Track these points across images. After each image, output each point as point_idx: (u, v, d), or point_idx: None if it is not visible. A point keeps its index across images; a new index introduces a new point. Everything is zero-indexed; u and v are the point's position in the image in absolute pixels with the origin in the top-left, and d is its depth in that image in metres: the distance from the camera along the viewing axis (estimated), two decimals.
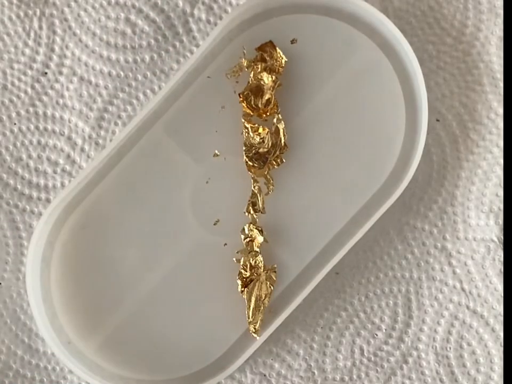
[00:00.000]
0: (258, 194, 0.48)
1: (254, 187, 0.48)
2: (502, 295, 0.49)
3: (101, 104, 0.49)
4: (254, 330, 0.48)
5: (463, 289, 0.50)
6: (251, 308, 0.48)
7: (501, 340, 0.49)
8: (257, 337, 0.48)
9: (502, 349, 0.49)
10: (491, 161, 0.50)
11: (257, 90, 0.48)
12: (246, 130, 0.48)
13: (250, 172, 0.48)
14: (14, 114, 0.49)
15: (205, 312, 0.48)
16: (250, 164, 0.48)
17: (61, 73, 0.50)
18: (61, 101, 0.49)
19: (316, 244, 0.48)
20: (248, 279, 0.48)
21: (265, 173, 0.48)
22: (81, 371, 0.47)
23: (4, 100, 0.49)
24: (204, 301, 0.48)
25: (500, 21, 0.50)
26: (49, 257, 0.48)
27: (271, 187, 0.48)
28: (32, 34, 0.50)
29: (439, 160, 0.50)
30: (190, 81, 0.48)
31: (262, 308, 0.48)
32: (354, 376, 0.50)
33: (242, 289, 0.48)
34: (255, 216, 0.48)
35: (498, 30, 0.50)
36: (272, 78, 0.48)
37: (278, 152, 0.48)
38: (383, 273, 0.50)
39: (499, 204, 0.50)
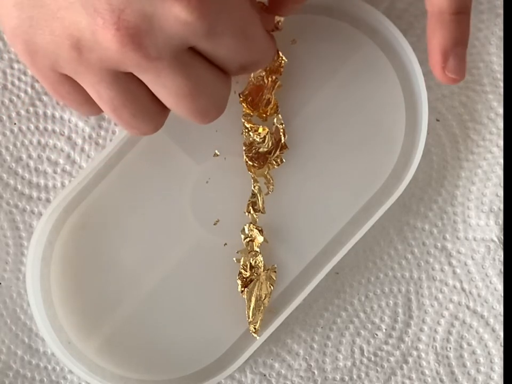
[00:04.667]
0: (258, 194, 0.48)
1: (254, 187, 0.48)
2: (502, 295, 0.49)
3: None
4: (254, 330, 0.48)
5: (463, 289, 0.50)
6: (251, 308, 0.48)
7: (501, 339, 0.49)
8: (257, 337, 0.48)
9: (502, 349, 0.49)
10: (491, 161, 0.50)
11: (257, 90, 0.48)
12: (246, 130, 0.48)
13: (251, 171, 0.48)
14: (14, 114, 0.49)
15: (205, 312, 0.48)
16: (251, 163, 0.48)
17: None
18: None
19: (316, 244, 0.48)
20: (248, 279, 0.48)
21: (265, 172, 0.48)
22: (81, 371, 0.47)
23: (4, 99, 0.49)
24: (204, 301, 0.48)
25: (500, 21, 0.50)
26: (49, 257, 0.48)
27: (271, 187, 0.48)
28: None
29: (439, 160, 0.50)
30: None
31: (262, 307, 0.48)
32: (354, 376, 0.50)
33: (242, 289, 0.48)
34: (255, 216, 0.48)
35: (498, 30, 0.50)
36: (272, 78, 0.47)
37: (278, 152, 0.48)
38: (383, 273, 0.50)
39: (499, 204, 0.50)
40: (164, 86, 0.39)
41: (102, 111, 0.42)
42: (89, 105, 0.41)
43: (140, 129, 0.41)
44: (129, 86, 0.39)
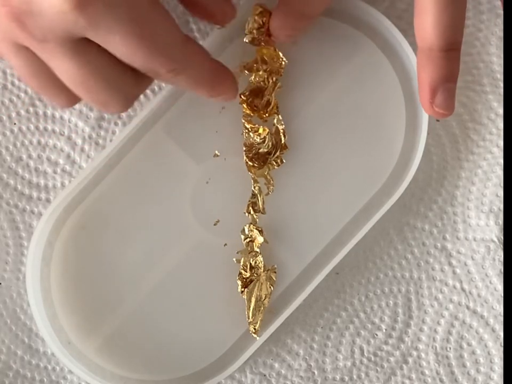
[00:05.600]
0: (258, 195, 0.48)
1: (254, 187, 0.48)
2: (502, 295, 0.49)
3: None
4: (254, 331, 0.48)
5: (463, 289, 0.50)
6: (251, 308, 0.48)
7: (501, 339, 0.50)
8: (257, 338, 0.48)
9: (502, 349, 0.49)
10: (491, 161, 0.50)
11: (258, 91, 0.48)
12: (246, 130, 0.48)
13: (251, 172, 0.48)
14: (14, 114, 0.49)
15: (205, 312, 0.48)
16: (251, 164, 0.48)
17: None
18: None
19: (316, 244, 0.48)
20: (248, 280, 0.48)
21: (266, 173, 0.48)
22: (81, 371, 0.47)
23: (4, 99, 0.49)
24: (204, 301, 0.48)
25: (500, 21, 0.50)
26: (49, 257, 0.48)
27: (271, 187, 0.48)
28: None
29: (439, 160, 0.50)
30: None
31: (262, 308, 0.48)
32: (354, 376, 0.50)
33: (242, 289, 0.48)
34: (255, 216, 0.48)
35: (498, 30, 0.50)
36: (272, 79, 0.47)
37: (278, 153, 0.48)
38: (383, 273, 0.50)
39: (499, 204, 0.50)
40: (58, 69, 0.39)
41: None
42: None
43: (52, 100, 0.41)
44: (31, 58, 0.39)
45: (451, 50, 0.43)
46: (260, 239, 0.48)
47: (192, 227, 0.48)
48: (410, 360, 0.50)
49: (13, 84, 0.49)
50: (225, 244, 0.48)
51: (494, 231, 0.49)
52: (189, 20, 0.50)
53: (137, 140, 0.48)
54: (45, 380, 0.49)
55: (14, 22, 0.37)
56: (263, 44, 0.47)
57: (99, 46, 0.38)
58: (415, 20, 0.43)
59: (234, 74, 0.43)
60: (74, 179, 0.47)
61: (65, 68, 0.38)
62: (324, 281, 0.48)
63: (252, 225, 0.48)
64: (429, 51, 0.43)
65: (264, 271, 0.48)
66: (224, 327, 0.48)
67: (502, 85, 0.50)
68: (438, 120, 0.50)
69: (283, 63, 0.47)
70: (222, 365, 0.48)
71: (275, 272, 0.48)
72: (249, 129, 0.48)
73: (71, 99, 0.41)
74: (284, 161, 0.48)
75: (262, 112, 0.48)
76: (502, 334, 0.49)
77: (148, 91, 0.49)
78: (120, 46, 0.38)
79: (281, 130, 0.48)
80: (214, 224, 0.48)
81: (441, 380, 0.50)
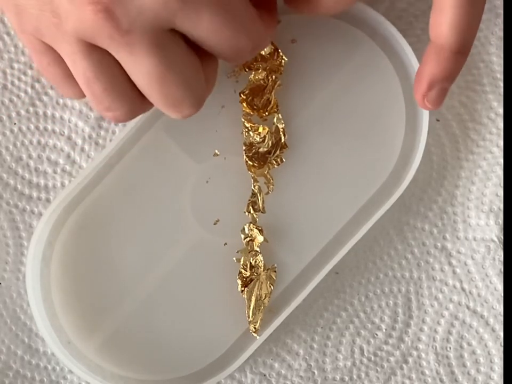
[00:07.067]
0: (258, 194, 0.48)
1: (254, 187, 0.48)
2: (502, 295, 0.49)
3: None
4: (254, 330, 0.48)
5: (463, 289, 0.50)
6: (251, 308, 0.48)
7: (501, 340, 0.49)
8: (257, 337, 0.48)
9: (502, 349, 0.49)
10: (491, 161, 0.50)
11: (258, 90, 0.48)
12: (246, 130, 0.48)
13: (251, 171, 0.48)
14: (14, 114, 0.49)
15: (205, 312, 0.48)
16: (250, 163, 0.48)
17: None
18: (61, 101, 0.49)
19: (315, 243, 0.48)
20: (248, 279, 0.48)
21: (265, 172, 0.48)
22: (81, 371, 0.47)
23: (4, 99, 0.49)
24: (204, 301, 0.48)
25: (500, 21, 0.50)
26: (49, 257, 0.48)
27: (271, 187, 0.48)
28: None
29: (439, 160, 0.50)
30: None
31: (262, 307, 0.48)
32: (354, 376, 0.50)
33: (242, 289, 0.48)
34: (255, 215, 0.48)
35: (498, 30, 0.50)
36: (272, 78, 0.48)
37: (278, 152, 0.48)
38: (383, 273, 0.50)
39: (499, 204, 0.50)
40: (135, 64, 0.38)
41: (83, 94, 0.42)
42: (70, 83, 0.41)
43: (111, 109, 0.40)
44: (104, 59, 0.39)
45: (460, 53, 0.43)
46: (259, 238, 0.48)
47: (191, 227, 0.48)
48: (410, 360, 0.50)
49: (13, 83, 0.49)
50: (225, 243, 0.48)
51: (494, 230, 0.49)
52: None
53: (137, 140, 0.48)
54: (45, 379, 0.49)
55: (100, 13, 0.36)
56: None
57: (179, 38, 0.39)
58: (432, 15, 0.43)
59: None
60: (74, 179, 0.47)
61: (142, 62, 0.38)
62: (323, 281, 0.48)
63: (251, 224, 0.48)
64: (439, 49, 0.43)
65: (264, 270, 0.48)
66: (224, 326, 0.48)
67: (502, 85, 0.50)
68: (438, 120, 0.50)
69: (283, 61, 0.47)
70: (222, 364, 0.48)
71: (275, 271, 0.48)
72: (249, 128, 0.48)
73: (136, 108, 0.41)
74: (284, 160, 0.48)
75: (261, 111, 0.48)
76: (502, 334, 0.49)
77: None
78: (208, 26, 0.38)
79: (281, 129, 0.48)
80: (214, 224, 0.48)
81: (441, 380, 0.50)
